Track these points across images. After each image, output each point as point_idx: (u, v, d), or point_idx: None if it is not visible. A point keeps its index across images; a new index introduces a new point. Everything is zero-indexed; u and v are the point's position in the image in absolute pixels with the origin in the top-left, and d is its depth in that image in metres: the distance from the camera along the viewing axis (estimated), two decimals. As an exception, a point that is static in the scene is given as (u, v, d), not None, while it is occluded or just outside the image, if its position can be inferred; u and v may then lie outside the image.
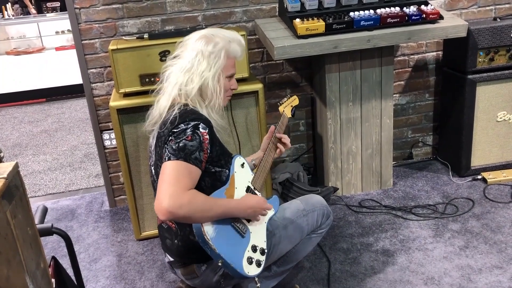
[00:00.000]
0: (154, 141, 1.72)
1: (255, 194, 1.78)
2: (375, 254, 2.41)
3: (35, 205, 3.20)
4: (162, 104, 1.72)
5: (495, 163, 3.09)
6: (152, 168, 1.76)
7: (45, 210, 1.54)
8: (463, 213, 2.70)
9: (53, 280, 1.59)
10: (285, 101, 2.15)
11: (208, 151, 1.62)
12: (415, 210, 2.77)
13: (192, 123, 1.59)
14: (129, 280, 2.38)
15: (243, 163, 1.81)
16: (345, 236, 2.57)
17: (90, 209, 3.12)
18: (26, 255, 1.16)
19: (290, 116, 2.13)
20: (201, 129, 1.60)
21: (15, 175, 1.17)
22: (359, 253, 2.42)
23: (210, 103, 1.70)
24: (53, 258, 1.68)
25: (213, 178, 1.68)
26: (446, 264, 2.28)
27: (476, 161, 3.08)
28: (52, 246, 2.70)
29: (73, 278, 1.78)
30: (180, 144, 1.56)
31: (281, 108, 2.10)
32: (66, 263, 1.99)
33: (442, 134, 3.30)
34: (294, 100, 2.19)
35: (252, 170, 1.87)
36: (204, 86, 1.68)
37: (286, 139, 1.96)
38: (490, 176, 3.00)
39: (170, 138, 1.58)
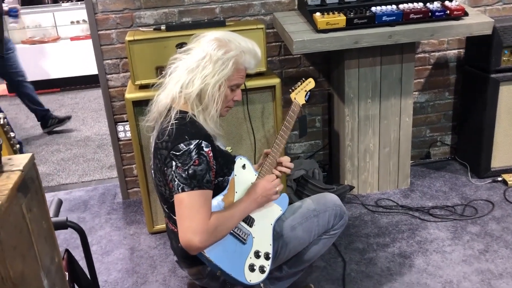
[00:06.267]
0: (153, 147, 1.65)
1: None
2: (392, 255, 2.36)
3: (48, 196, 3.22)
4: (162, 101, 1.63)
5: (516, 165, 3.02)
6: (152, 172, 1.69)
7: (60, 203, 1.51)
8: (482, 216, 2.63)
9: (66, 273, 1.57)
10: (298, 86, 1.90)
11: (214, 167, 1.56)
12: (432, 211, 2.70)
13: (194, 143, 1.50)
14: (141, 274, 2.36)
15: (244, 164, 1.71)
16: (361, 236, 2.52)
17: (103, 200, 3.11)
18: (40, 249, 1.13)
19: (304, 102, 1.90)
20: (205, 149, 1.51)
21: (30, 168, 1.14)
22: (375, 254, 2.37)
23: (206, 109, 1.59)
24: (67, 251, 1.66)
25: (215, 188, 1.61)
26: (465, 268, 2.22)
27: (496, 162, 3.01)
28: (64, 237, 2.68)
29: (86, 271, 1.76)
30: (190, 172, 1.47)
31: (292, 95, 1.89)
32: (78, 255, 1.97)
33: (462, 134, 3.22)
34: (309, 84, 1.91)
35: (255, 169, 1.77)
36: (203, 92, 1.57)
37: (286, 162, 1.81)
38: (511, 178, 2.92)
39: (175, 163, 1.49)
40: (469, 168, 3.11)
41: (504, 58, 2.80)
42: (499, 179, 2.96)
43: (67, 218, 1.43)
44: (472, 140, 3.08)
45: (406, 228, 2.57)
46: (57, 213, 1.47)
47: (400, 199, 2.87)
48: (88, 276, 1.73)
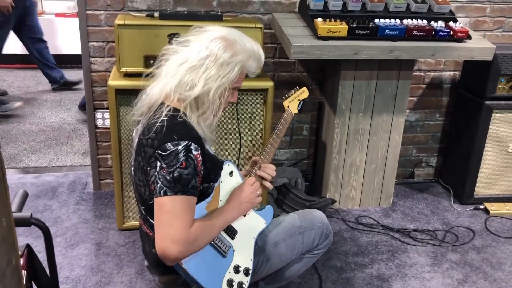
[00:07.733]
0: (136, 141, 1.52)
1: None
2: (369, 277, 2.28)
3: (14, 178, 3.03)
4: (154, 94, 1.49)
5: (499, 194, 2.98)
6: (132, 169, 1.56)
7: (25, 196, 1.37)
8: (463, 244, 2.58)
9: (24, 272, 1.43)
10: (291, 94, 1.88)
11: (201, 173, 1.44)
12: (413, 234, 2.64)
13: (183, 144, 1.37)
14: (106, 273, 2.22)
15: (232, 171, 1.61)
16: (339, 253, 2.44)
17: (73, 189, 2.94)
18: (-4, 251, 1.00)
19: (296, 111, 1.86)
20: (194, 152, 1.39)
21: (-6, 157, 1.00)
22: (353, 274, 2.29)
23: (203, 114, 1.47)
24: (27, 246, 1.51)
25: (199, 194, 1.49)
26: (443, 297, 2.17)
27: (480, 190, 2.97)
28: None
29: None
30: (175, 174, 1.35)
31: (285, 103, 1.84)
32: (40, 246, 1.82)
33: (448, 157, 3.18)
34: (303, 93, 1.91)
35: (242, 177, 1.66)
36: (203, 95, 1.45)
37: (269, 170, 1.71)
38: (493, 207, 2.89)
39: (160, 164, 1.36)
40: (452, 192, 3.06)
41: (500, 86, 2.76)
42: (481, 207, 2.92)
43: (31, 214, 1.29)
44: (458, 164, 3.03)
45: (386, 249, 2.50)
46: (20, 208, 1.32)
47: (381, 218, 2.80)
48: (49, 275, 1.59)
